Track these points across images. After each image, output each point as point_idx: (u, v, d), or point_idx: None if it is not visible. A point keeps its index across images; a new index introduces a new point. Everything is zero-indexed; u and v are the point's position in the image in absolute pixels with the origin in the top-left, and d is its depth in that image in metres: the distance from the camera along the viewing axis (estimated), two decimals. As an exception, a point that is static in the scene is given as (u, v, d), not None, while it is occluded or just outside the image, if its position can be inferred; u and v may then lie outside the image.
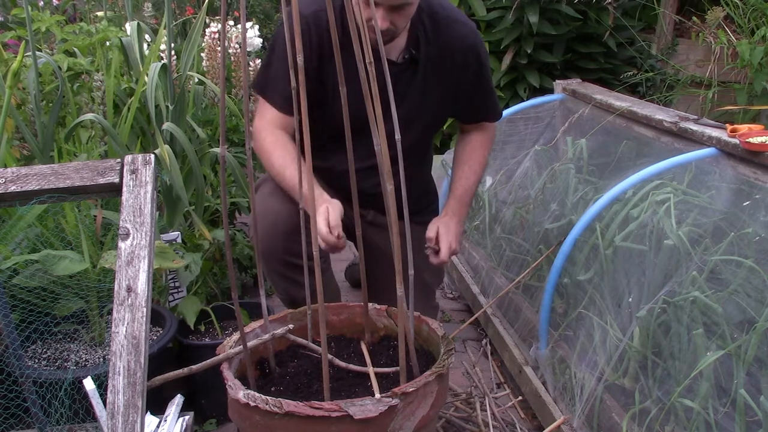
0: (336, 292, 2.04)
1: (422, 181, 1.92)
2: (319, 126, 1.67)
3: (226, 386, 1.16)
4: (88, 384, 1.26)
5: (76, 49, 2.38)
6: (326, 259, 1.88)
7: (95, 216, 1.68)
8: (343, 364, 1.31)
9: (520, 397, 1.82)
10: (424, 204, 1.90)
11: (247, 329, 1.35)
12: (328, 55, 1.56)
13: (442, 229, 1.68)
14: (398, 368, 1.21)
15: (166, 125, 2.02)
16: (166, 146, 1.95)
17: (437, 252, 1.67)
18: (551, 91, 2.80)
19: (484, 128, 1.86)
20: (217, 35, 2.56)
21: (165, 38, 2.22)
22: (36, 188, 1.13)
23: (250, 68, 2.63)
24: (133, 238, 1.07)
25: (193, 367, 1.24)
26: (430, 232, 1.68)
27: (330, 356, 1.28)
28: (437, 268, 1.92)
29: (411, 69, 1.67)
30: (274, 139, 1.64)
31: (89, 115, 1.93)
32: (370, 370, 1.28)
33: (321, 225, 1.46)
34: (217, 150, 2.20)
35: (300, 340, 1.36)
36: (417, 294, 1.35)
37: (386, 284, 1.49)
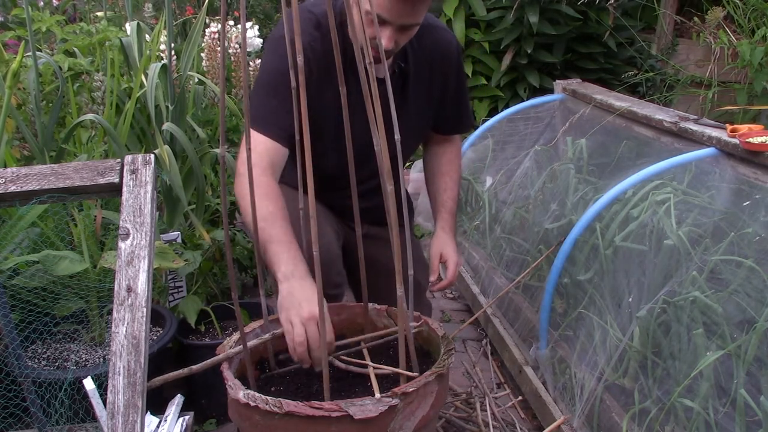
0: None
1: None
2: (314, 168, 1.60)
3: (226, 386, 1.16)
4: (88, 384, 1.26)
5: (76, 49, 2.38)
6: (341, 289, 1.85)
7: (95, 216, 1.68)
8: (342, 364, 1.31)
9: (520, 397, 1.82)
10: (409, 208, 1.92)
11: (247, 329, 1.35)
12: (322, 83, 1.54)
13: (447, 249, 1.68)
14: (398, 368, 1.21)
15: (166, 125, 2.02)
16: (166, 147, 1.95)
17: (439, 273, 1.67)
18: (551, 91, 2.80)
19: (452, 140, 1.85)
20: (217, 35, 2.56)
21: (164, 37, 2.22)
22: (36, 188, 1.13)
23: (250, 68, 2.63)
24: (133, 238, 1.07)
25: (193, 367, 1.24)
26: (435, 256, 1.69)
27: (330, 356, 1.28)
28: (426, 267, 1.92)
29: (401, 82, 1.65)
30: (267, 182, 1.41)
31: (89, 115, 1.93)
32: (371, 370, 1.28)
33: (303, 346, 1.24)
34: (217, 150, 2.20)
35: (300, 340, 1.36)
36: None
37: (383, 293, 1.48)
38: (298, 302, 1.25)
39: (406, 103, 1.67)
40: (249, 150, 1.16)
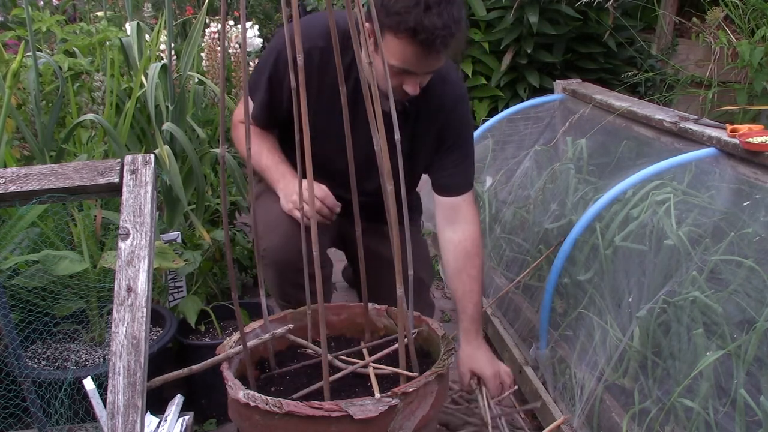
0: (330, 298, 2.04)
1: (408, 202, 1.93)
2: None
3: (226, 386, 1.16)
4: (88, 384, 1.26)
5: (76, 49, 2.38)
6: (329, 268, 1.86)
7: (95, 216, 1.68)
8: (342, 364, 1.31)
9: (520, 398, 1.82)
10: (409, 203, 1.91)
11: (247, 329, 1.35)
12: (316, 92, 1.55)
13: (475, 364, 1.60)
14: (398, 368, 1.21)
15: (166, 125, 2.02)
16: (166, 147, 1.95)
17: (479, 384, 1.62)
18: (551, 91, 2.80)
19: (467, 220, 1.73)
20: (217, 35, 2.56)
21: (164, 37, 2.22)
22: (36, 188, 1.13)
23: (250, 68, 2.63)
24: (133, 238, 1.07)
25: (193, 367, 1.24)
26: (465, 374, 1.62)
27: (330, 356, 1.28)
28: (429, 265, 1.92)
29: (402, 120, 1.65)
30: (253, 130, 1.71)
31: (89, 115, 1.94)
32: (371, 370, 1.28)
33: (318, 191, 1.53)
34: (217, 150, 2.20)
35: (300, 340, 1.36)
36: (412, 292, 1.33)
37: (384, 288, 1.48)
38: (284, 195, 1.60)
39: (404, 139, 1.67)
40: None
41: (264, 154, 1.67)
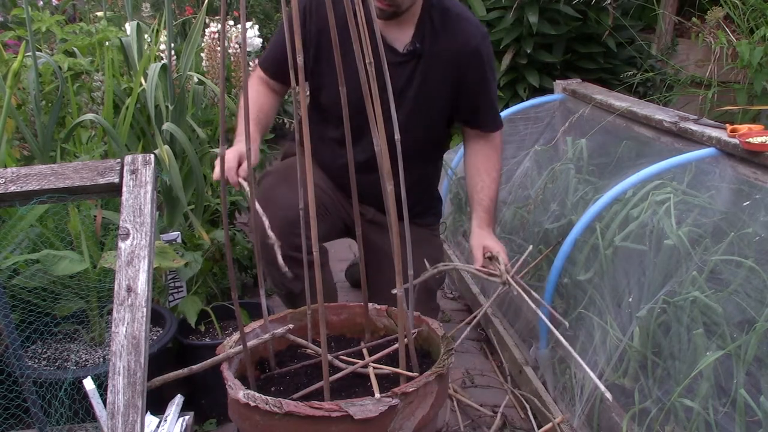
0: (333, 290, 2.04)
1: (425, 179, 1.91)
2: (317, 116, 1.68)
3: (226, 386, 1.16)
4: (88, 384, 1.26)
5: (76, 49, 2.38)
6: (324, 255, 1.88)
7: (95, 216, 1.68)
8: (342, 364, 1.31)
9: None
10: (425, 205, 1.91)
11: (247, 329, 1.35)
12: (327, 45, 1.56)
13: (488, 242, 1.69)
14: (398, 368, 1.21)
15: (166, 125, 2.02)
16: (166, 146, 1.95)
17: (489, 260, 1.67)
18: (551, 91, 2.80)
19: (488, 138, 1.84)
20: (217, 35, 2.56)
21: (163, 37, 2.22)
22: (36, 188, 1.13)
23: (250, 68, 2.63)
24: (133, 238, 1.07)
25: (193, 367, 1.24)
26: (477, 248, 1.69)
27: (330, 356, 1.28)
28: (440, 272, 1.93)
29: (413, 62, 1.67)
30: (251, 92, 1.76)
31: (89, 115, 1.94)
32: (371, 370, 1.28)
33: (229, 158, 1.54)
34: (217, 150, 2.20)
35: (300, 340, 1.36)
36: (418, 295, 1.34)
37: (387, 284, 1.49)
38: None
39: (414, 81, 1.68)
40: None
41: (242, 119, 1.72)
